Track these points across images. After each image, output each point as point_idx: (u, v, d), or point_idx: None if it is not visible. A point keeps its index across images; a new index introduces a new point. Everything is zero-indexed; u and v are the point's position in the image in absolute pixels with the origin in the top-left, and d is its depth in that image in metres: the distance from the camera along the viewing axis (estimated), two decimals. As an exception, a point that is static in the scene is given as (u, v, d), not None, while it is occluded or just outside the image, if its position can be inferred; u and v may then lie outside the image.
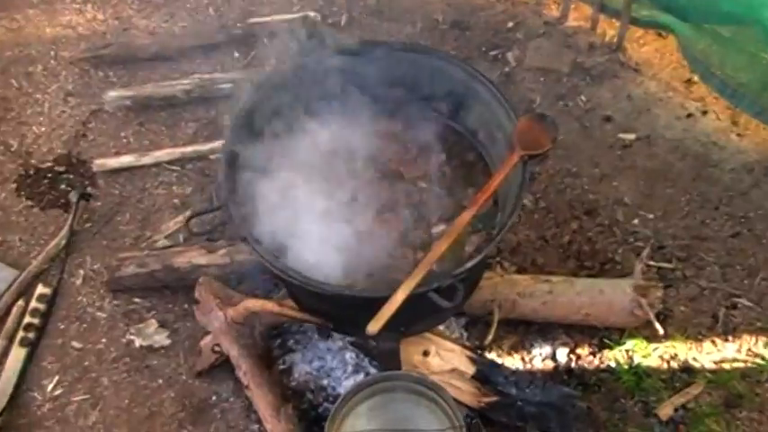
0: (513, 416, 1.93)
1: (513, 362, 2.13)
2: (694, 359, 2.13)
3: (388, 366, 1.84)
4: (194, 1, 3.34)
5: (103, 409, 2.12)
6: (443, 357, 1.96)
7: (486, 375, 1.96)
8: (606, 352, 2.14)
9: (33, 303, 2.30)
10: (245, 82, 2.71)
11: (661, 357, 2.13)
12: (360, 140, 1.93)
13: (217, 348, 2.08)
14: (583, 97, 2.84)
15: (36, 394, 2.16)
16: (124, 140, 2.81)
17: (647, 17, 2.87)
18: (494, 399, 1.93)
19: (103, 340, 2.26)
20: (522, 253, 2.37)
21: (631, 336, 2.15)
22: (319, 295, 1.59)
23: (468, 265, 1.56)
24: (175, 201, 2.60)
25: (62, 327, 2.30)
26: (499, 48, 3.04)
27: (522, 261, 2.35)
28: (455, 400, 1.83)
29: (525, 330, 2.19)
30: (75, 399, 2.15)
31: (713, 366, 2.11)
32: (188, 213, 1.83)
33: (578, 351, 2.15)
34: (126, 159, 2.69)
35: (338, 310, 1.79)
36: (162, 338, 2.23)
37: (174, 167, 2.69)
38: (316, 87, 1.90)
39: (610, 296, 2.09)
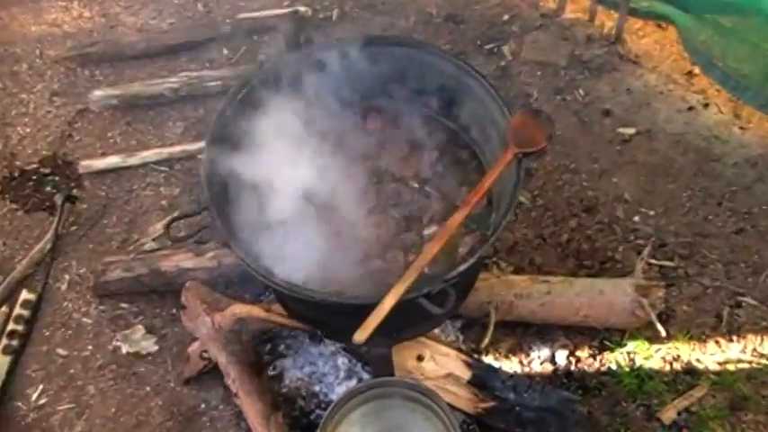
0: (511, 422, 1.90)
1: (510, 365, 2.10)
2: (698, 360, 2.10)
3: (380, 372, 1.81)
4: (183, -3, 3.31)
5: (89, 419, 2.09)
6: (438, 362, 1.93)
7: (483, 380, 1.93)
8: (607, 354, 2.11)
9: (17, 310, 2.27)
10: (233, 80, 2.68)
11: (663, 359, 2.10)
12: (348, 139, 1.90)
13: (205, 355, 2.05)
14: (581, 91, 2.81)
15: (20, 403, 2.13)
16: (111, 141, 2.78)
17: (647, 8, 2.85)
18: (491, 404, 1.90)
19: (89, 347, 2.23)
20: (520, 252, 2.34)
21: (632, 337, 2.12)
22: (306, 301, 1.56)
23: (460, 268, 1.52)
24: (163, 202, 2.57)
25: (47, 333, 2.27)
26: (495, 41, 3.02)
27: (520, 261, 2.31)
28: (451, 406, 1.80)
29: (523, 333, 2.16)
30: (61, 408, 2.12)
31: (717, 368, 2.09)
32: (167, 220, 1.80)
33: (578, 353, 2.12)
34: (113, 160, 2.66)
35: (326, 317, 1.75)
36: (149, 345, 2.20)
37: (161, 168, 2.67)
38: (302, 84, 1.87)
39: (610, 296, 2.06)
